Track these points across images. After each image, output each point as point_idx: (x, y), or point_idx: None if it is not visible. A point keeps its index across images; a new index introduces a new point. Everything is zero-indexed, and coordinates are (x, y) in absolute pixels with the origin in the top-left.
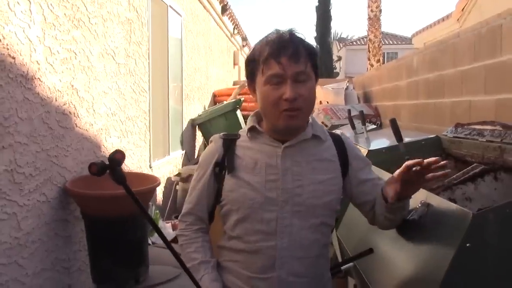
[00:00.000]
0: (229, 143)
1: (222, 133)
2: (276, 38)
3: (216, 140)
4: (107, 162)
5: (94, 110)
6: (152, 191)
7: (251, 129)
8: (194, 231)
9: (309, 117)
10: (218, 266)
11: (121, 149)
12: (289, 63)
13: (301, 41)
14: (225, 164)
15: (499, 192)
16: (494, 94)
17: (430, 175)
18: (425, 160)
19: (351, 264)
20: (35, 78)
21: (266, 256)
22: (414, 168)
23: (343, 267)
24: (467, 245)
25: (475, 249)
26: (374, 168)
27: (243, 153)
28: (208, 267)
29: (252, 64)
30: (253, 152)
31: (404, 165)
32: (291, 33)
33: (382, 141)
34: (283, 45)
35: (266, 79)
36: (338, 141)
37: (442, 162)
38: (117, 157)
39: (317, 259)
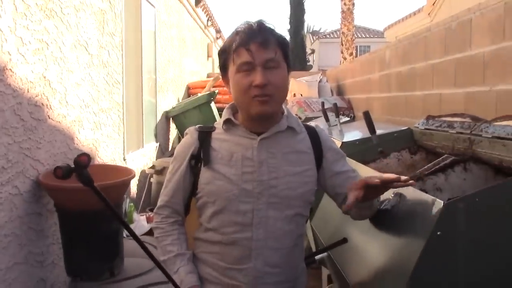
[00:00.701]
0: (205, 135)
1: (198, 126)
2: (245, 28)
3: (192, 132)
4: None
5: (67, 102)
6: (127, 183)
7: (227, 122)
8: (170, 223)
9: (284, 109)
10: (194, 257)
11: (87, 152)
12: (258, 50)
13: (271, 30)
14: (201, 156)
15: (468, 182)
16: (463, 87)
17: (394, 184)
18: (386, 178)
19: (325, 254)
20: (7, 69)
21: (242, 247)
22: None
23: (317, 257)
24: (438, 233)
25: (446, 237)
26: (348, 160)
27: (219, 146)
28: (184, 259)
29: (224, 56)
30: (229, 145)
31: (363, 181)
32: (260, 23)
33: (355, 133)
34: (252, 34)
35: (237, 67)
36: (313, 133)
37: (403, 178)
38: (82, 160)
39: (292, 250)
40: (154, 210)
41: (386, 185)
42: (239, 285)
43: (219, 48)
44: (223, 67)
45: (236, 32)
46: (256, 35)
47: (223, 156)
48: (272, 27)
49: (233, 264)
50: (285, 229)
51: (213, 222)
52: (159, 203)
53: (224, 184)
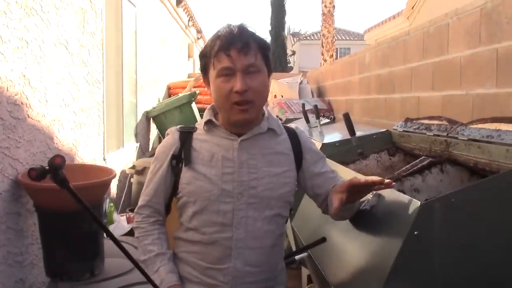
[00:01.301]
0: (186, 135)
1: (179, 126)
2: (226, 32)
3: (173, 132)
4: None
5: (46, 101)
6: (108, 183)
7: (208, 122)
8: (151, 223)
9: (265, 111)
10: (174, 257)
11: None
12: (238, 56)
13: (252, 35)
14: (181, 156)
15: (444, 183)
16: (440, 91)
17: (376, 187)
18: (371, 180)
19: (305, 254)
20: None
21: (223, 247)
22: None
23: (297, 257)
24: (415, 233)
25: (423, 236)
26: (327, 161)
27: (199, 146)
28: (165, 259)
29: (205, 59)
30: (210, 145)
31: (349, 181)
32: (241, 27)
33: (335, 135)
34: (233, 39)
35: (217, 72)
36: (293, 135)
37: (386, 181)
38: (57, 161)
39: (272, 249)
40: (135, 210)
41: (370, 186)
42: (219, 284)
43: (200, 49)
44: (204, 70)
45: (217, 36)
46: (236, 40)
47: (204, 157)
48: (253, 31)
49: (213, 264)
50: (265, 229)
51: (194, 222)
52: (140, 202)
53: (205, 184)
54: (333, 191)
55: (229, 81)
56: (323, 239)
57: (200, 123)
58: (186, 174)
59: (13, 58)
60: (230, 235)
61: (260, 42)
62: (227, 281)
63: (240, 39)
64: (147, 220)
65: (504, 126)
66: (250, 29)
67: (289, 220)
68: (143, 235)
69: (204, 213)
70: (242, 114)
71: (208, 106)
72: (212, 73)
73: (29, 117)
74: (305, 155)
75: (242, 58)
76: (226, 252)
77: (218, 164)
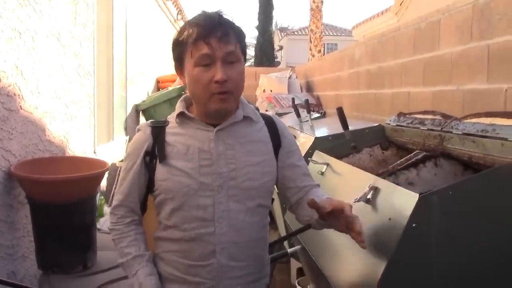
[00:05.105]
0: (158, 130)
1: (150, 121)
2: (204, 20)
3: (144, 128)
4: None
5: (39, 93)
6: (102, 175)
7: (180, 115)
8: (126, 224)
9: (240, 99)
10: (155, 257)
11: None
12: (218, 44)
13: (230, 23)
14: (155, 152)
15: (438, 177)
16: (431, 86)
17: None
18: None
19: (298, 247)
20: None
21: (205, 243)
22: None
23: (289, 251)
24: (413, 225)
25: (421, 228)
26: (320, 154)
27: (173, 140)
28: (143, 261)
29: (180, 47)
30: (185, 138)
31: (340, 206)
32: (219, 14)
33: (326, 129)
34: (213, 27)
35: (195, 61)
36: (270, 122)
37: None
38: None
39: (257, 242)
40: (110, 210)
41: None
42: (203, 281)
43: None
44: (179, 59)
45: (194, 24)
46: (216, 28)
47: (179, 150)
48: (231, 19)
49: (196, 261)
50: (249, 221)
51: (173, 219)
52: (114, 202)
53: (182, 179)
54: (321, 200)
55: (208, 70)
56: (309, 226)
57: (172, 116)
58: (161, 170)
59: (6, 49)
60: (212, 230)
61: (239, 32)
62: (212, 277)
63: (220, 27)
64: (123, 221)
65: (498, 121)
66: (227, 17)
67: (281, 213)
68: (119, 237)
69: (183, 209)
70: (222, 103)
71: (180, 99)
72: (189, 62)
73: (21, 108)
74: (283, 142)
75: (223, 46)
76: (210, 248)
77: (195, 157)
